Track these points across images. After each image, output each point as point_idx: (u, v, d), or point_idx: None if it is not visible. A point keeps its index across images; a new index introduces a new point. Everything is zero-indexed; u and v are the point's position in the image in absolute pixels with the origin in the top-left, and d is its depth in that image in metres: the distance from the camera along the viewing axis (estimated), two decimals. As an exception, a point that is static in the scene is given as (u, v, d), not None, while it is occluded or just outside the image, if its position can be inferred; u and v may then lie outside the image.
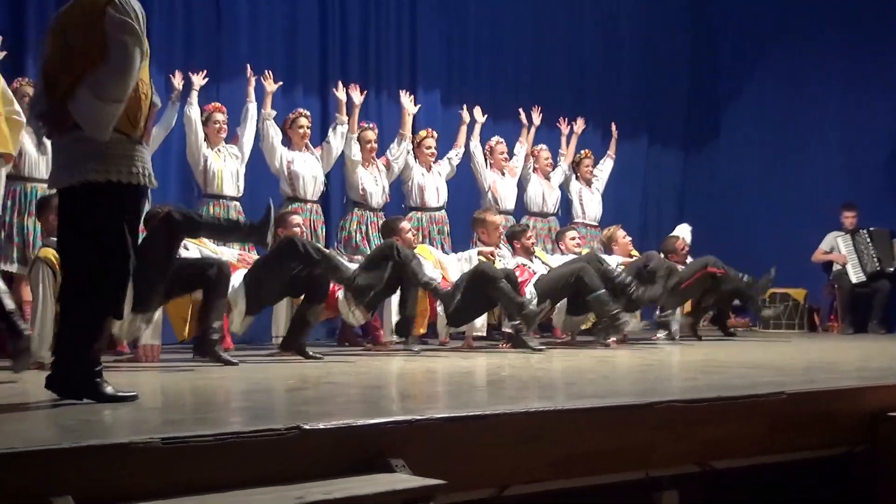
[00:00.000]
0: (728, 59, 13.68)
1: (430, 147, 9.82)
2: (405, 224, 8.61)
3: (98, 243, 4.14)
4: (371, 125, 9.57)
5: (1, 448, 2.82)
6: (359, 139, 9.33)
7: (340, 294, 7.80)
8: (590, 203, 11.08)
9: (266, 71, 9.02)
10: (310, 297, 7.29)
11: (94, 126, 4.09)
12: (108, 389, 4.22)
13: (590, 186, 11.16)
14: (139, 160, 4.22)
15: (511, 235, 9.31)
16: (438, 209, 9.80)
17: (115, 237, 4.15)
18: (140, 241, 5.16)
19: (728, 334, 10.60)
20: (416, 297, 7.76)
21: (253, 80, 8.85)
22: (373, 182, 9.33)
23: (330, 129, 9.29)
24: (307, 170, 8.91)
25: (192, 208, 8.57)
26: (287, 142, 8.98)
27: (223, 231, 6.51)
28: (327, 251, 7.48)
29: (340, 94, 9.35)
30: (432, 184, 9.76)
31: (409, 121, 9.76)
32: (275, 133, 8.84)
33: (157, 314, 6.74)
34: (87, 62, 4.09)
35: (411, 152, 9.74)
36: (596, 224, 11.04)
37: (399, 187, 9.84)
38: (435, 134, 9.94)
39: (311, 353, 7.15)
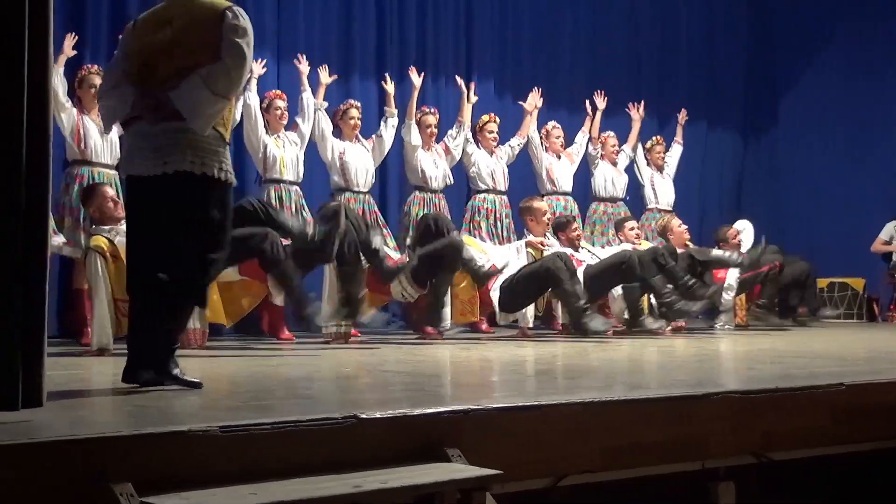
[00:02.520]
0: (787, 45, 13.53)
1: (492, 132, 9.87)
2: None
3: (188, 233, 4.19)
4: (432, 110, 9.63)
5: (61, 434, 2.86)
6: (419, 123, 9.37)
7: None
8: (662, 188, 11.13)
9: (323, 63, 9.08)
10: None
11: (199, 118, 4.18)
12: (176, 371, 4.23)
13: (661, 172, 11.21)
14: (227, 159, 4.32)
15: (557, 226, 9.31)
16: (503, 193, 9.85)
17: (206, 228, 4.22)
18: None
19: (799, 323, 10.53)
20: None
21: (306, 70, 8.87)
22: (433, 165, 9.37)
23: (381, 122, 9.31)
24: (359, 161, 8.91)
25: (251, 192, 8.74)
26: (338, 133, 9.00)
27: (289, 232, 6.57)
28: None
29: (389, 87, 9.36)
30: (497, 167, 9.81)
31: (468, 108, 9.79)
32: (326, 124, 8.85)
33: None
34: (196, 57, 4.23)
35: (470, 140, 9.77)
36: (670, 209, 11.06)
37: (460, 171, 9.88)
38: (497, 119, 9.98)
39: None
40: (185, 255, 4.18)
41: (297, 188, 8.65)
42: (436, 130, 9.52)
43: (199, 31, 4.27)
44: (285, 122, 8.69)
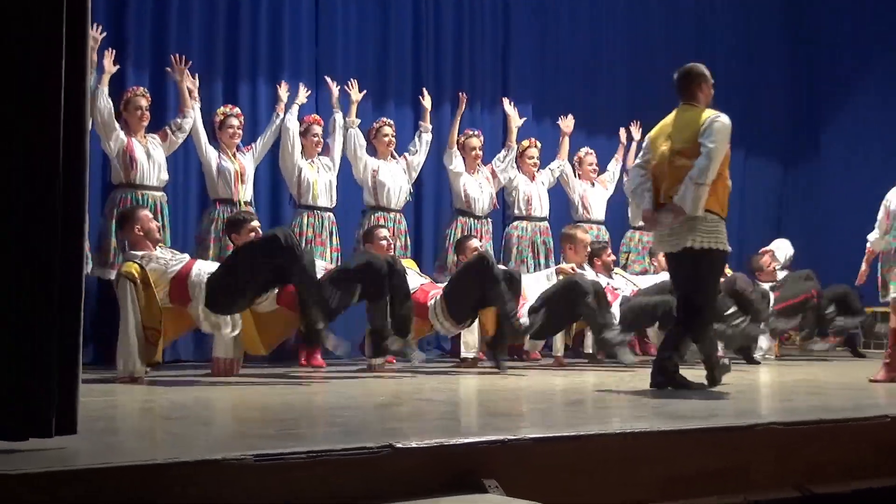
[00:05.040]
0: (828, 72, 13.43)
1: (532, 157, 9.85)
2: (472, 242, 8.62)
3: (702, 294, 5.94)
4: (476, 132, 9.63)
5: (95, 462, 2.85)
6: (463, 146, 9.39)
7: (431, 303, 7.77)
8: None
9: (350, 80, 9.06)
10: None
11: (692, 205, 5.71)
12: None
13: None
14: (723, 233, 5.84)
15: (591, 252, 9.22)
16: (542, 219, 9.81)
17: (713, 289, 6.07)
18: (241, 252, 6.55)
19: (857, 355, 10.39)
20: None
21: (336, 91, 8.89)
22: (478, 189, 9.36)
23: (415, 137, 9.31)
24: (392, 179, 8.91)
25: (283, 219, 8.77)
26: (372, 151, 9.02)
27: (311, 279, 6.55)
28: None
29: (426, 101, 9.37)
30: (536, 193, 9.77)
31: (514, 131, 9.80)
32: (360, 142, 8.85)
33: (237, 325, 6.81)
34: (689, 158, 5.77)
35: (514, 163, 9.77)
36: None
37: (503, 197, 9.87)
38: (538, 144, 9.97)
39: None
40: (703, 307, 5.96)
41: (331, 214, 8.67)
42: (481, 153, 9.52)
43: (691, 137, 5.83)
44: (320, 147, 8.74)
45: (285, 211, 9.08)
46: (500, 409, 5.12)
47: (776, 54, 13.48)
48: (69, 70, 3.23)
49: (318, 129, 8.70)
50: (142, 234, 6.73)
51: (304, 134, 8.65)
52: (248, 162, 8.38)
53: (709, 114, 5.92)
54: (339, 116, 8.79)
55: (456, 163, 9.30)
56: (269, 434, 3.82)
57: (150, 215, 7.00)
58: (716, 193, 5.82)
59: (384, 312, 6.96)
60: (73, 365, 3.24)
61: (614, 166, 10.59)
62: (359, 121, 8.90)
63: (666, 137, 6.01)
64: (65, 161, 3.20)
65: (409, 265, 8.05)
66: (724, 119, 5.89)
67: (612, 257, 9.43)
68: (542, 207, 9.81)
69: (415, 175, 9.27)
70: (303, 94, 8.78)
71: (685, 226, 5.80)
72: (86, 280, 6.99)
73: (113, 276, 7.29)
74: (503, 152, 9.73)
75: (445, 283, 7.93)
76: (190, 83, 8.18)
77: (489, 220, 9.49)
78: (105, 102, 7.69)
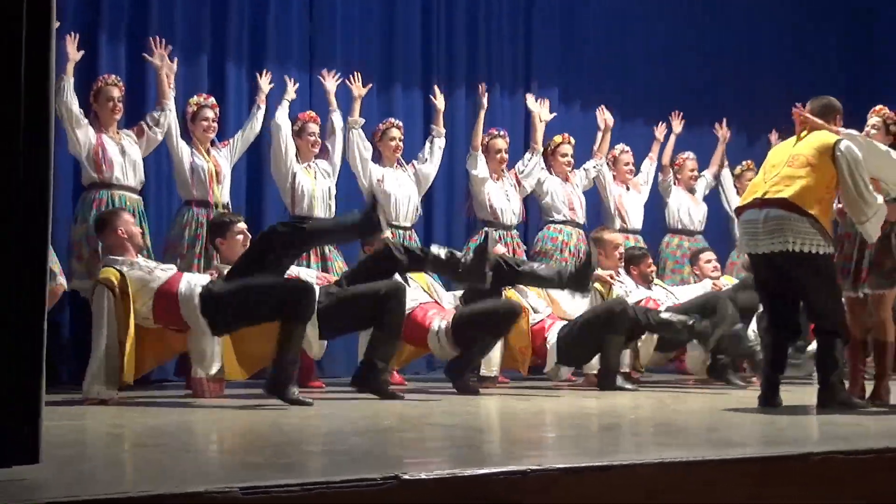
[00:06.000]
0: (882, 49, 13.41)
1: (565, 155, 9.71)
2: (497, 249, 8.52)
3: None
4: (501, 132, 9.50)
5: (60, 496, 2.85)
6: (487, 149, 9.28)
7: (433, 325, 7.71)
8: None
9: (352, 73, 8.97)
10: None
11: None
12: None
13: None
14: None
15: (629, 260, 9.14)
16: (580, 225, 9.67)
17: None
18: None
19: None
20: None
21: (333, 87, 8.83)
22: (503, 197, 9.28)
23: (427, 143, 9.23)
24: (400, 190, 8.82)
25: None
26: (377, 157, 8.90)
27: (332, 233, 6.60)
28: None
29: (439, 101, 9.27)
30: (573, 196, 9.66)
31: (541, 129, 9.68)
32: (364, 146, 8.76)
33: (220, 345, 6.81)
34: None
35: (542, 165, 9.64)
36: None
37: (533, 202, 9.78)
38: (572, 140, 9.81)
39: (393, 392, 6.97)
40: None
41: (329, 225, 8.56)
42: (506, 156, 9.38)
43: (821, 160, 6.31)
44: (317, 149, 8.63)
45: (269, 219, 8.92)
46: (523, 435, 5.11)
47: (827, 33, 13.39)
48: (30, 61, 3.23)
49: (314, 128, 8.58)
50: (125, 236, 6.71)
51: (298, 134, 8.54)
52: (223, 160, 8.30)
53: None
54: (337, 116, 8.70)
55: (480, 167, 9.18)
56: (259, 463, 3.81)
57: (133, 220, 6.98)
58: None
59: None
60: (36, 386, 3.24)
61: (648, 167, 10.48)
62: (362, 121, 8.79)
63: None
64: (26, 160, 3.20)
65: (417, 279, 8.01)
66: None
67: (653, 268, 9.35)
68: (582, 212, 9.69)
69: (426, 187, 9.19)
70: (291, 90, 8.67)
71: None
72: (65, 294, 7.06)
73: (76, 284, 7.35)
74: (528, 155, 9.62)
75: (457, 312, 7.83)
76: (168, 69, 8.12)
77: (517, 231, 9.40)
78: (69, 93, 7.63)
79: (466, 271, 6.96)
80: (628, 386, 7.98)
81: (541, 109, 9.76)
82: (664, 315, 8.35)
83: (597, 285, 8.59)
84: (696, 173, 10.69)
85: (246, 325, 6.53)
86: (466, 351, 7.61)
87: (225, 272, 6.75)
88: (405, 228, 8.86)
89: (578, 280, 7.63)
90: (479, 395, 7.36)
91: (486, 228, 8.70)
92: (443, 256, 7.05)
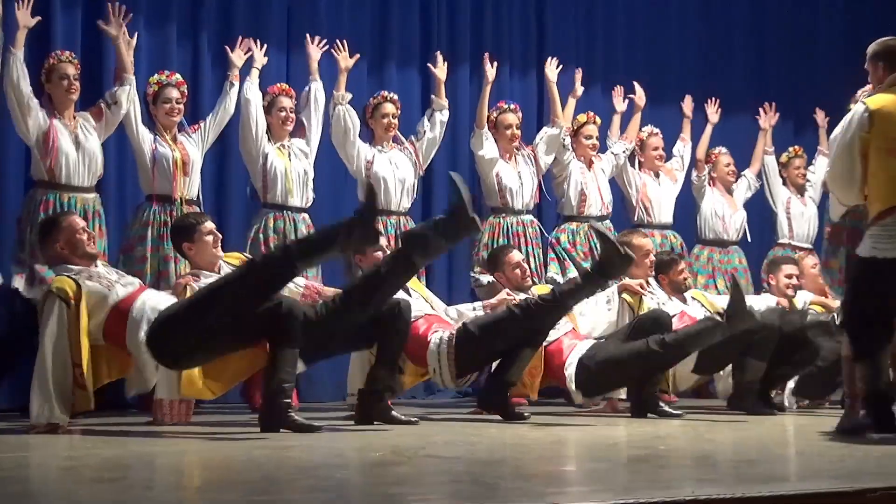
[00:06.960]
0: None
1: (590, 137, 9.71)
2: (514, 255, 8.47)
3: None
4: (512, 105, 9.46)
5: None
6: (496, 124, 9.26)
7: (432, 343, 7.62)
8: (800, 217, 10.66)
9: (337, 41, 8.94)
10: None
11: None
12: None
13: (802, 195, 10.78)
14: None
15: (658, 266, 8.90)
16: (603, 219, 9.62)
17: None
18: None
19: None
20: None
21: (317, 55, 8.81)
22: (515, 178, 9.27)
23: (424, 118, 9.22)
24: (393, 172, 8.84)
25: (230, 220, 8.70)
26: (368, 135, 8.91)
27: (320, 247, 6.50)
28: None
29: (440, 70, 9.26)
30: (594, 185, 9.64)
31: (571, 104, 9.68)
32: (351, 123, 8.74)
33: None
34: None
35: (568, 145, 9.60)
36: (809, 247, 10.47)
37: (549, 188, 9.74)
38: (598, 119, 9.79)
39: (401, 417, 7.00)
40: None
41: (306, 216, 8.58)
42: (518, 132, 9.35)
43: None
44: (290, 126, 8.62)
45: (235, 210, 8.98)
46: (537, 468, 5.09)
47: (884, 10, 13.38)
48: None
49: (287, 103, 8.58)
50: (65, 251, 6.64)
51: (267, 110, 8.52)
52: (192, 147, 8.25)
53: None
54: (318, 85, 8.68)
55: (487, 147, 9.17)
56: (232, 500, 3.79)
57: (83, 224, 6.87)
58: None
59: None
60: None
61: (682, 149, 10.42)
62: (349, 95, 8.78)
63: None
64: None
65: (414, 287, 7.91)
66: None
67: (686, 276, 9.11)
68: (603, 204, 9.66)
69: (424, 167, 9.18)
70: (260, 56, 8.62)
71: None
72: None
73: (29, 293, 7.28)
74: (546, 128, 9.58)
75: (461, 328, 7.74)
76: (126, 43, 8.05)
77: (534, 219, 9.36)
78: (19, 70, 7.56)
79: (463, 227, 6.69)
80: (673, 411, 7.88)
81: (554, 74, 9.66)
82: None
83: (625, 296, 8.47)
84: (732, 168, 10.57)
85: (207, 361, 6.47)
86: (502, 370, 7.55)
87: (199, 283, 6.71)
88: (399, 214, 8.88)
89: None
90: (527, 420, 7.34)
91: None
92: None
